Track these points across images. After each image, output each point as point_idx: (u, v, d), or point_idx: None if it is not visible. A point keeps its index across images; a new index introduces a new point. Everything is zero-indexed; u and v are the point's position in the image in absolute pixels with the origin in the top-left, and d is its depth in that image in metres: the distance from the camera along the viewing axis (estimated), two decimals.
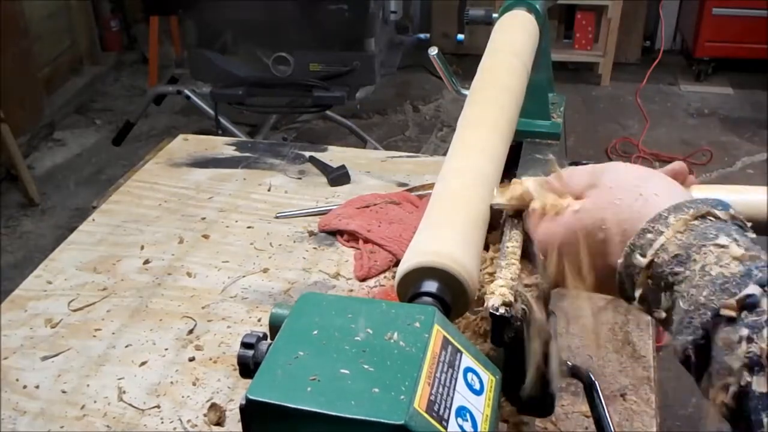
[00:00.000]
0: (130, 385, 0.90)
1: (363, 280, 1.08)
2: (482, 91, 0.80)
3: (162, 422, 0.85)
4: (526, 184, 0.61)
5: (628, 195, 0.54)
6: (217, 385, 0.90)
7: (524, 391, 0.57)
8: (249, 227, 1.21)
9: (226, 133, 2.88)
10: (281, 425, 0.44)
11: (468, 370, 0.48)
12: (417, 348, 0.46)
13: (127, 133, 3.26)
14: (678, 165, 0.62)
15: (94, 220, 1.25)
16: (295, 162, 1.42)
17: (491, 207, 0.63)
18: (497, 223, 0.64)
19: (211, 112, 2.88)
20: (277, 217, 1.24)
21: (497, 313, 0.53)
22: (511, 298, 0.53)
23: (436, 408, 0.43)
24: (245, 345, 0.52)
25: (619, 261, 0.52)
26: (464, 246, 0.57)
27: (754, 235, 0.50)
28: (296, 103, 2.99)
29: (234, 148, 1.48)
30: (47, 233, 2.87)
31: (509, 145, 0.75)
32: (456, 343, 0.49)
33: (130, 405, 0.88)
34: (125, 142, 3.29)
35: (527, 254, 0.60)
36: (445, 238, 0.58)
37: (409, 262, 0.56)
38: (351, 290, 1.06)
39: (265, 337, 0.53)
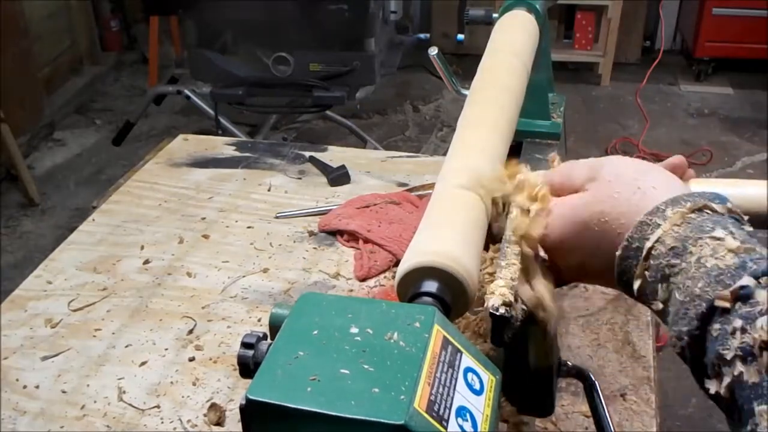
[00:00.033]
0: (130, 385, 0.90)
1: (363, 280, 1.08)
2: (482, 91, 0.80)
3: (162, 422, 0.85)
4: (529, 176, 0.62)
5: (626, 188, 0.54)
6: (217, 385, 0.90)
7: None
8: (249, 227, 1.21)
9: (226, 133, 2.88)
10: (281, 425, 0.44)
11: (468, 370, 0.48)
12: (417, 348, 0.46)
13: (127, 133, 3.26)
14: (677, 159, 0.62)
15: (94, 220, 1.25)
16: (295, 162, 1.42)
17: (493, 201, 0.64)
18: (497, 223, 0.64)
19: (211, 112, 2.88)
20: (277, 217, 1.24)
21: (497, 313, 0.53)
22: (511, 298, 0.53)
23: (436, 408, 0.43)
24: (245, 345, 0.52)
25: (618, 253, 0.53)
26: (464, 246, 0.57)
27: (750, 228, 0.50)
28: (296, 103, 2.99)
29: (234, 148, 1.48)
30: (47, 233, 2.87)
31: (509, 145, 0.75)
32: (456, 343, 0.49)
33: (130, 405, 0.88)
34: (125, 142, 3.29)
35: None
36: (445, 238, 0.58)
37: (409, 262, 0.56)
38: (351, 290, 1.06)
39: (265, 337, 0.53)
